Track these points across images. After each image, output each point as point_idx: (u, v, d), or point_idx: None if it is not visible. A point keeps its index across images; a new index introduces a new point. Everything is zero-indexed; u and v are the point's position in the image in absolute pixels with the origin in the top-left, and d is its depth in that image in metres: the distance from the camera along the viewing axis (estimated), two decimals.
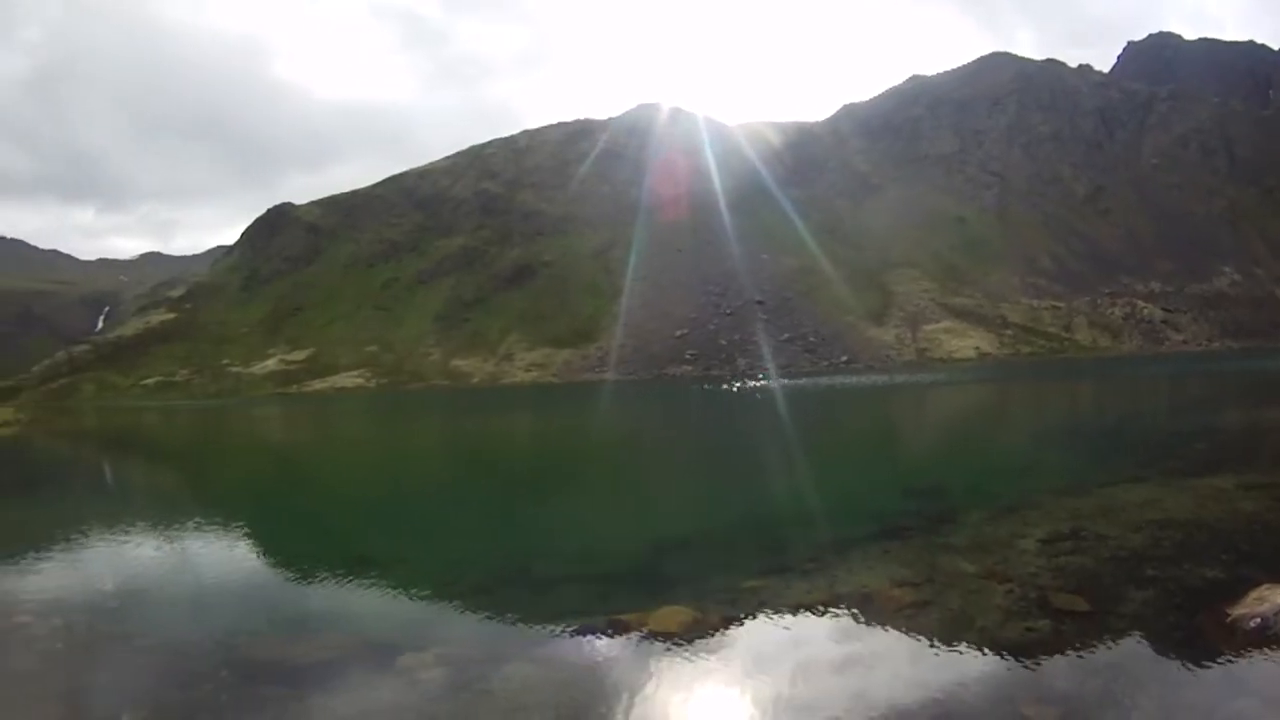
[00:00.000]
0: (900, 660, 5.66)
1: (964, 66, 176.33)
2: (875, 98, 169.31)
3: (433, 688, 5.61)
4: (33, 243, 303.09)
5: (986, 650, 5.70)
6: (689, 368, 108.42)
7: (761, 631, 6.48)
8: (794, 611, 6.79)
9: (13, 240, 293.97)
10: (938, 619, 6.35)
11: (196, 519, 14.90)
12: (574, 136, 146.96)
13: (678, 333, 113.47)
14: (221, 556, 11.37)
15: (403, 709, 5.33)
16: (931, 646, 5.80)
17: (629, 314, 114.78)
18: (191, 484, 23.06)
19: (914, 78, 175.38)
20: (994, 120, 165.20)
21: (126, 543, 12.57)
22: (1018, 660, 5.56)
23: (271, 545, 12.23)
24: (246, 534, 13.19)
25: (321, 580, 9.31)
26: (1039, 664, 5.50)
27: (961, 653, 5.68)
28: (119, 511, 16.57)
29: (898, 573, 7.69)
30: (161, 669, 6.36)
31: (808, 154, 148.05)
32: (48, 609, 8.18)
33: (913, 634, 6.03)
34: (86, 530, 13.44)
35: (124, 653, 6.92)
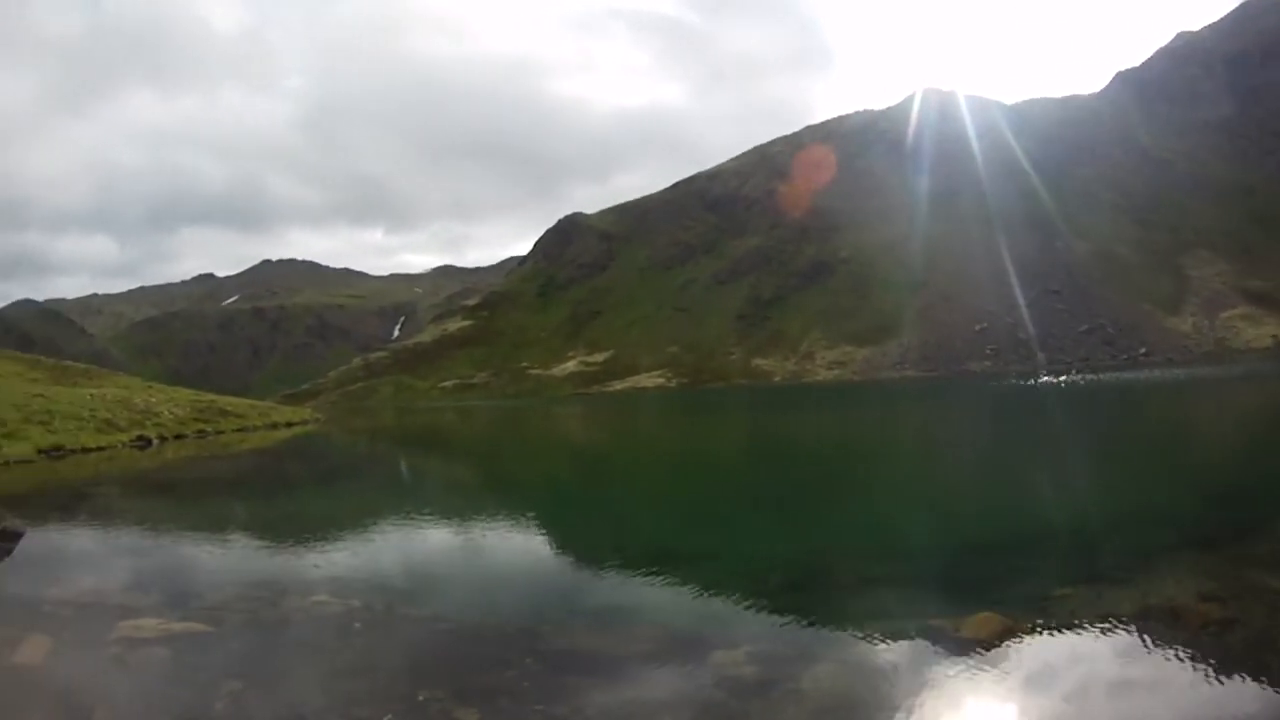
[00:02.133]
0: (1198, 682, 5.47)
1: (1228, 16, 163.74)
2: (1147, 61, 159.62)
3: (744, 685, 5.54)
4: (325, 263, 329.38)
5: None
6: (989, 363, 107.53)
7: (1072, 643, 6.33)
8: (1103, 623, 6.61)
9: (306, 262, 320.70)
10: (1241, 638, 6.17)
11: (496, 510, 14.86)
12: (856, 129, 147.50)
13: (977, 327, 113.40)
14: (523, 547, 11.41)
15: (714, 704, 5.25)
16: (1230, 668, 5.57)
17: (927, 309, 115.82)
18: (491, 477, 23.24)
19: (1181, 34, 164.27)
20: (1268, 73, 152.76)
21: (425, 530, 12.64)
22: None
23: (573, 537, 12.24)
24: (548, 526, 13.11)
25: (627, 573, 9.18)
26: None
27: (1257, 678, 5.40)
28: (418, 501, 16.87)
29: (1206, 586, 7.36)
30: (460, 652, 6.37)
31: (1089, 129, 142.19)
32: (346, 590, 8.21)
33: (1216, 653, 5.82)
34: (385, 517, 13.70)
35: (422, 634, 6.91)
